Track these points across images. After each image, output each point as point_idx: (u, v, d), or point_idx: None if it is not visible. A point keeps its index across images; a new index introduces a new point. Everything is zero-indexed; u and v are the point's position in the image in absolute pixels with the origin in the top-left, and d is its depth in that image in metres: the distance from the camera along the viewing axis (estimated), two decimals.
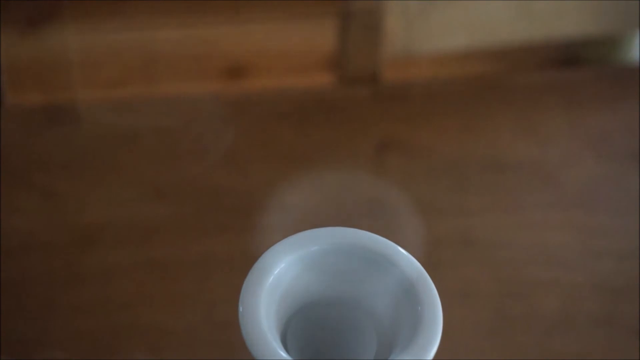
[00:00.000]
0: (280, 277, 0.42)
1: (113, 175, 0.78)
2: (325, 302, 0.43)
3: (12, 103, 0.86)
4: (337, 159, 0.79)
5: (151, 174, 0.78)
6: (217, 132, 0.81)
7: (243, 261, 0.54)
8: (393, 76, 0.87)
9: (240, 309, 0.40)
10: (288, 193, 0.75)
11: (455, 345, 0.68)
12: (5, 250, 0.72)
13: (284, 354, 0.38)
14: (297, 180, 0.76)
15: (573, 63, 0.87)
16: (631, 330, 0.68)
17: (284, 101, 0.84)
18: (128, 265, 0.72)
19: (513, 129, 0.81)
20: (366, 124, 0.81)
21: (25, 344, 0.67)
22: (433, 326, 0.39)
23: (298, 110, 0.82)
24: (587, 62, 0.88)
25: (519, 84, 0.85)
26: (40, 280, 0.71)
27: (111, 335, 0.68)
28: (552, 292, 0.70)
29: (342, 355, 0.44)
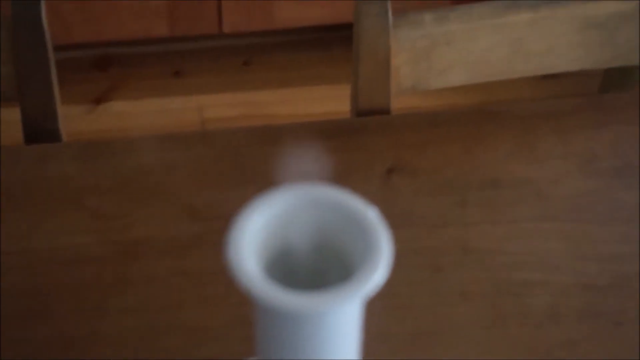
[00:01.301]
0: (261, 226, 0.51)
1: (153, 198, 0.86)
2: (303, 248, 0.53)
3: (70, 140, 0.94)
4: (352, 181, 0.86)
5: (186, 197, 0.86)
6: (244, 159, 0.89)
7: None
8: (401, 107, 0.96)
9: (228, 251, 0.48)
10: None
11: (456, 339, 0.75)
12: (61, 262, 0.80)
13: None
14: None
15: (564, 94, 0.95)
16: (612, 322, 0.76)
17: (305, 130, 0.91)
18: (167, 274, 0.80)
19: (508, 151, 0.89)
20: (378, 150, 0.90)
21: (79, 342, 0.75)
22: (384, 251, 0.49)
23: (317, 138, 0.90)
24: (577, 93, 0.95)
25: (514, 113, 0.93)
26: (92, 287, 0.79)
27: (154, 332, 0.76)
28: (543, 291, 0.78)
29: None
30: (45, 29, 0.93)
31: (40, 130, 0.97)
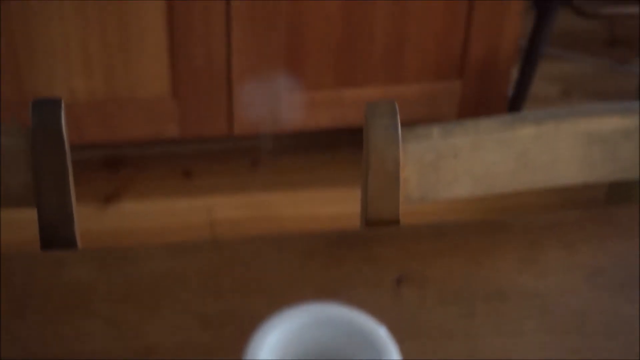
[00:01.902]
0: (273, 347, 0.52)
1: (165, 306, 0.87)
2: None
3: (83, 244, 0.96)
4: (361, 291, 0.88)
5: (197, 305, 0.87)
6: (254, 269, 0.91)
7: None
8: (409, 213, 0.98)
9: None
10: None
11: None
12: None
13: None
14: None
15: (569, 206, 0.96)
16: None
17: (315, 240, 0.93)
18: None
19: (515, 263, 0.91)
20: (387, 260, 0.91)
21: None
22: None
23: (327, 248, 0.92)
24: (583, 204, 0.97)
25: (520, 225, 0.95)
26: None
27: None
28: None
29: None
30: (64, 137, 0.95)
31: (56, 235, 0.99)
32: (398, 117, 0.93)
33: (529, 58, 1.97)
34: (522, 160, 0.98)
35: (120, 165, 2.03)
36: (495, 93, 1.93)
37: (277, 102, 1.88)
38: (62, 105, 0.96)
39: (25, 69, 1.77)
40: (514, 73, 1.96)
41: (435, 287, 0.89)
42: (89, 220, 1.88)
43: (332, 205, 1.92)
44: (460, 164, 0.97)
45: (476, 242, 0.94)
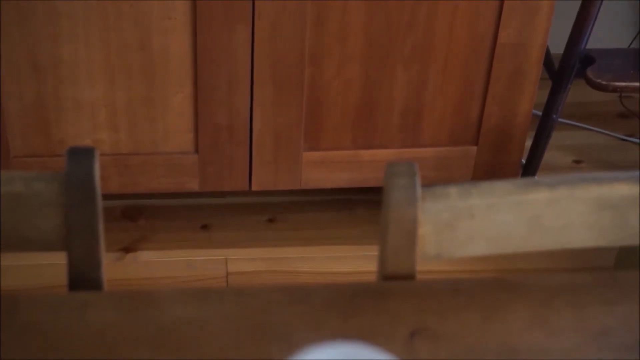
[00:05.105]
0: None
1: (186, 351, 0.90)
2: None
3: (111, 290, 1.00)
4: (376, 343, 0.90)
5: (217, 352, 0.90)
6: (274, 317, 0.94)
7: None
8: (425, 270, 1.01)
9: None
10: None
11: None
12: None
13: None
14: None
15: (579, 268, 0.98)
16: None
17: (332, 292, 0.97)
18: None
19: (526, 321, 0.94)
20: (401, 314, 0.95)
21: None
22: None
23: (344, 300, 0.96)
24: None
25: (532, 285, 0.99)
26: None
27: None
28: None
29: None
30: (97, 184, 1.00)
31: (84, 278, 1.02)
32: (417, 177, 0.97)
33: (543, 128, 2.01)
34: (534, 223, 1.02)
35: (139, 216, 2.07)
36: (509, 160, 1.97)
37: (295, 160, 1.92)
38: (96, 154, 1.00)
39: (53, 121, 1.82)
40: (528, 141, 2.00)
41: (448, 342, 0.92)
42: (107, 268, 1.91)
43: (347, 262, 1.95)
44: (475, 224, 1.01)
45: (489, 299, 0.97)
